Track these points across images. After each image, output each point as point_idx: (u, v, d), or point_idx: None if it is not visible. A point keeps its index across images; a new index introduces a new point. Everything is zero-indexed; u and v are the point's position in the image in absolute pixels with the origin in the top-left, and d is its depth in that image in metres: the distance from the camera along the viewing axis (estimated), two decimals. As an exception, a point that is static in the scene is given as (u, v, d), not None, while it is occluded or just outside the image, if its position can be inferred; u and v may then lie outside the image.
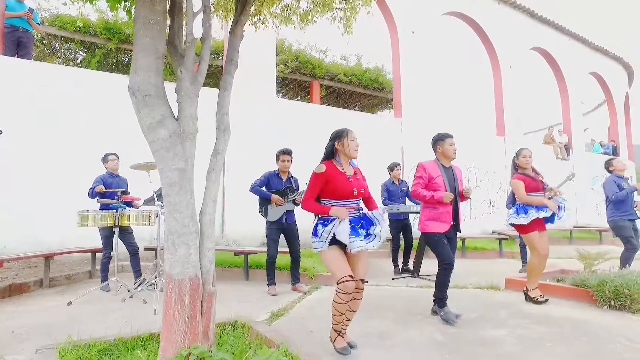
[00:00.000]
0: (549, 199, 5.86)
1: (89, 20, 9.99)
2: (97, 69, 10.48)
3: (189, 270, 2.22)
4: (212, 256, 2.40)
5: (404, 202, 6.41)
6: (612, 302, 3.91)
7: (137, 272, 4.93)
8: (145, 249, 5.81)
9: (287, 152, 4.92)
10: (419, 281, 5.59)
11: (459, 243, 8.15)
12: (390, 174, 6.45)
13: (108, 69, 11.57)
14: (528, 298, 4.27)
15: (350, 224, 2.75)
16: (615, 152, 15.32)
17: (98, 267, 5.64)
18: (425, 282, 5.45)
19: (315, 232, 2.82)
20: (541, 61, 14.17)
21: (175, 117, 2.35)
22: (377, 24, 10.83)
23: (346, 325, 2.97)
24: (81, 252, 5.45)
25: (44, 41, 10.80)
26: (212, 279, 2.38)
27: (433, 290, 4.64)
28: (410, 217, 6.49)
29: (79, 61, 11.75)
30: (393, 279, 5.79)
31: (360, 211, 2.93)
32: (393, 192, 6.39)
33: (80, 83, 6.68)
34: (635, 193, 5.20)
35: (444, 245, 3.60)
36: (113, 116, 6.65)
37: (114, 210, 4.52)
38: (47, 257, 4.84)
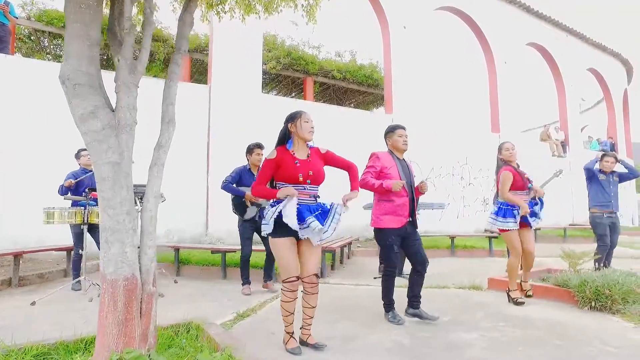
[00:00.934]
0: (533, 198, 5.74)
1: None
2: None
3: (123, 269, 2.09)
4: (153, 254, 2.28)
5: None
6: (593, 303, 3.77)
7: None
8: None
9: (262, 147, 4.79)
10: (401, 280, 5.44)
11: (448, 242, 8.01)
12: None
13: (100, 66, 11.46)
14: (509, 299, 4.12)
15: (301, 208, 2.67)
16: (613, 149, 15.11)
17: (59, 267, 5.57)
18: (401, 282, 5.30)
19: (264, 214, 2.74)
20: (538, 57, 13.98)
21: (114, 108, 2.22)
22: (372, 20, 10.66)
23: (308, 324, 2.86)
24: (55, 250, 5.34)
25: (32, 37, 10.69)
26: (152, 278, 2.25)
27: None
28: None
29: (68, 58, 11.63)
30: (375, 278, 5.64)
31: (318, 199, 2.83)
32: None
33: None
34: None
35: (394, 252, 3.46)
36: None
37: (83, 207, 4.41)
38: (17, 256, 4.73)
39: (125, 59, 2.18)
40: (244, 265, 4.73)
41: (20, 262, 4.90)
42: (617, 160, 5.09)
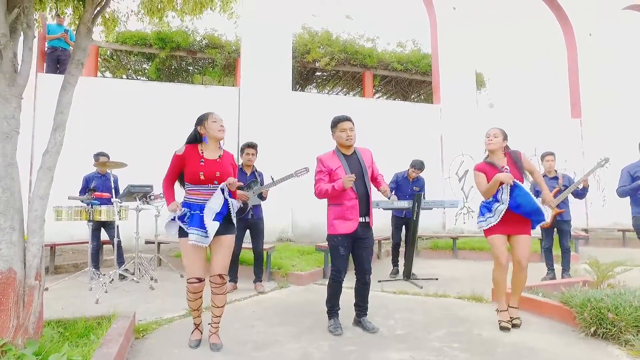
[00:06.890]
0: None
1: (145, 33, 11.10)
2: (157, 77, 11.59)
3: (-3, 264, 2.30)
4: (37, 251, 2.45)
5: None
6: (594, 329, 2.99)
7: (119, 264, 5.31)
8: (146, 242, 6.23)
9: (252, 146, 4.84)
10: (404, 285, 5.00)
11: (487, 245, 7.08)
12: (408, 169, 5.87)
13: (168, 76, 12.73)
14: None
15: (200, 213, 2.74)
16: None
17: (107, 257, 6.27)
18: (405, 287, 4.85)
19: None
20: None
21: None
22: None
23: (215, 323, 2.89)
24: (79, 243, 6.11)
25: (113, 57, 12.33)
26: (35, 273, 2.43)
27: (401, 296, 4.20)
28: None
29: (146, 71, 13.16)
30: (379, 281, 5.24)
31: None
32: (401, 187, 5.82)
33: (106, 92, 7.43)
34: None
35: (340, 256, 3.16)
36: (117, 120, 7.33)
37: (89, 206, 4.92)
38: (51, 247, 5.54)
39: (4, 73, 2.37)
40: (232, 263, 4.81)
41: (57, 253, 5.71)
42: None
